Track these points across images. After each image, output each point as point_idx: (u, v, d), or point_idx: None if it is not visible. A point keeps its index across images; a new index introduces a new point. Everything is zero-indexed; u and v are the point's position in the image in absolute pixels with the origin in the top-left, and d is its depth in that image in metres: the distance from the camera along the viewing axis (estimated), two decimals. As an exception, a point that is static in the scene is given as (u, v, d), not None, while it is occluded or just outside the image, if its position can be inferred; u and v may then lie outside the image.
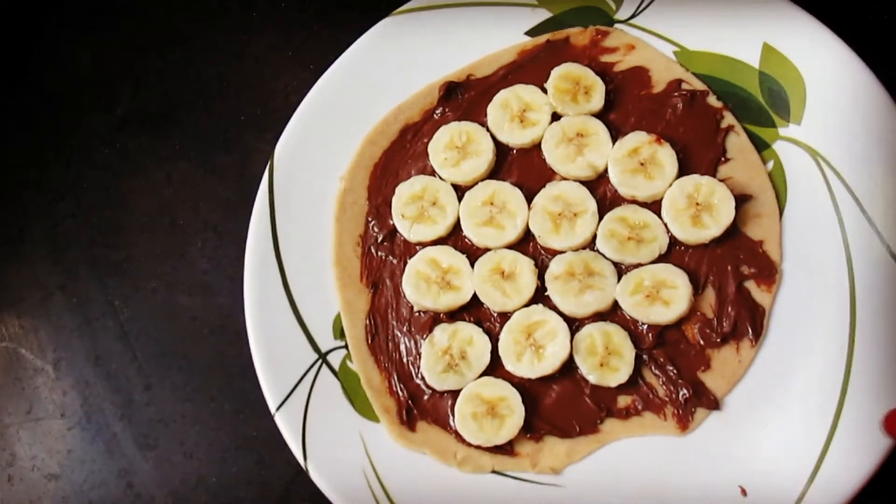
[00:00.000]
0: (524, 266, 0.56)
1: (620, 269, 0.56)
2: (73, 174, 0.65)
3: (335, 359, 0.54)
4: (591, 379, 0.54)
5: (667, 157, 0.57)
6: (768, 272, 0.55)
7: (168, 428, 0.59)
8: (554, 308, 0.55)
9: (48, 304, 0.62)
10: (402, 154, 0.60)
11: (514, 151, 0.60)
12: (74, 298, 0.62)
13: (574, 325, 0.55)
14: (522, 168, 0.59)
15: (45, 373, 0.61)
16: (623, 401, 0.54)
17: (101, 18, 0.68)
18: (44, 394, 0.61)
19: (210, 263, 0.62)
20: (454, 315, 0.57)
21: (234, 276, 0.61)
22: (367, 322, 0.57)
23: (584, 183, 0.58)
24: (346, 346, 0.55)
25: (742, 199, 0.56)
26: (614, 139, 0.58)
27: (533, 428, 0.53)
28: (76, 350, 0.61)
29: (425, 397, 0.55)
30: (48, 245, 0.64)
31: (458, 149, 0.59)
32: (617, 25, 0.59)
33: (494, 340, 0.55)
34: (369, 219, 0.59)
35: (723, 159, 0.57)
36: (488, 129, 0.59)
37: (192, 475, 0.58)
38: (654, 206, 0.57)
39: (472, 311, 0.56)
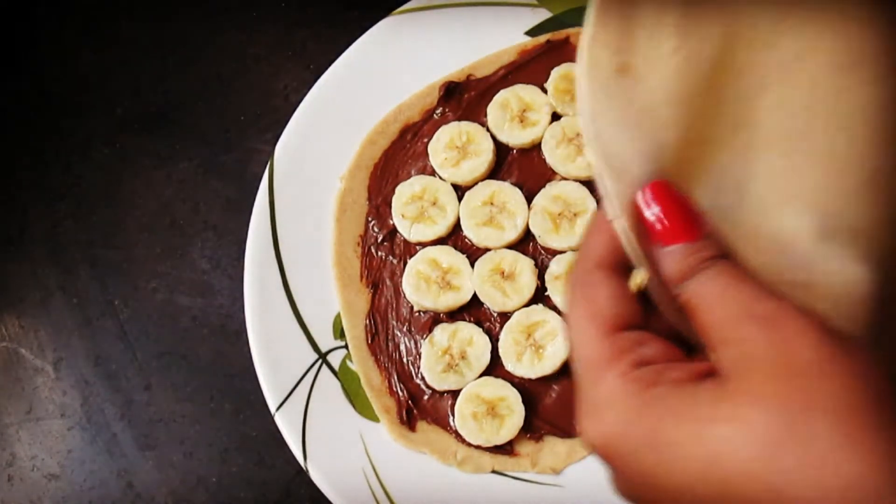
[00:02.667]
0: (524, 266, 0.56)
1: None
2: (73, 174, 0.65)
3: (335, 359, 0.54)
4: (592, 379, 0.53)
5: None
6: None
7: (168, 428, 0.59)
8: (554, 308, 0.55)
9: (48, 304, 0.62)
10: (402, 154, 0.60)
11: (514, 151, 0.60)
12: (74, 298, 0.62)
13: (574, 325, 0.55)
14: (522, 168, 0.59)
15: (45, 373, 0.61)
16: (623, 401, 0.54)
17: (101, 18, 0.68)
18: (44, 394, 0.61)
19: (210, 263, 0.62)
20: (454, 315, 0.57)
21: (234, 276, 0.61)
22: (367, 322, 0.57)
23: (585, 183, 0.58)
24: (346, 346, 0.55)
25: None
26: (614, 139, 0.58)
27: (533, 428, 0.53)
28: (76, 350, 0.61)
29: (425, 397, 0.55)
30: (48, 245, 0.64)
31: (458, 149, 0.59)
32: None
33: (494, 340, 0.55)
34: (369, 219, 0.59)
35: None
36: (488, 130, 0.59)
37: (192, 475, 0.58)
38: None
39: (472, 311, 0.56)
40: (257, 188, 0.56)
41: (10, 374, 0.62)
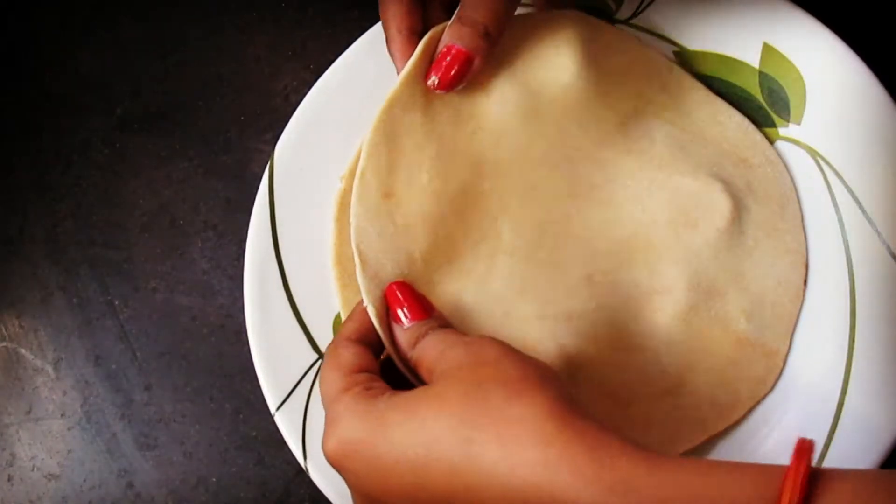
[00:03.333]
0: None
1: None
2: (73, 174, 0.65)
3: (334, 359, 0.54)
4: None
5: None
6: (768, 272, 0.55)
7: (168, 428, 0.59)
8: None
9: (48, 304, 0.62)
10: (401, 154, 0.60)
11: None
12: (74, 298, 0.62)
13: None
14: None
15: (45, 373, 0.61)
16: (622, 401, 0.54)
17: (101, 18, 0.68)
18: (44, 394, 0.61)
19: (210, 263, 0.62)
20: (454, 315, 0.57)
21: (234, 276, 0.61)
22: None
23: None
24: (345, 346, 0.55)
25: (741, 200, 0.56)
26: (613, 139, 0.59)
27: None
28: (76, 350, 0.61)
29: (425, 397, 0.55)
30: (48, 245, 0.64)
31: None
32: (617, 25, 0.59)
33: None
34: None
35: (722, 159, 0.58)
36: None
37: (192, 475, 0.58)
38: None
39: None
40: (257, 188, 0.56)
41: (10, 374, 0.62)
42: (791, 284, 0.53)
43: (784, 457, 0.48)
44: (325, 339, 0.55)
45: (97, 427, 0.60)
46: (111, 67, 0.67)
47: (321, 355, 0.54)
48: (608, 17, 0.60)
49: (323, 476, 0.51)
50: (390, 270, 0.45)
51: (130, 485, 0.59)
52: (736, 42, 0.56)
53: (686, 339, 0.51)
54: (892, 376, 0.49)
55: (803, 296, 0.53)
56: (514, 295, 0.48)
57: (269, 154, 0.57)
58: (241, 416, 0.59)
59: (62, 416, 0.60)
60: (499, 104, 0.51)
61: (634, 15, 0.59)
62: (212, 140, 0.64)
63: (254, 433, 0.58)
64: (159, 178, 0.64)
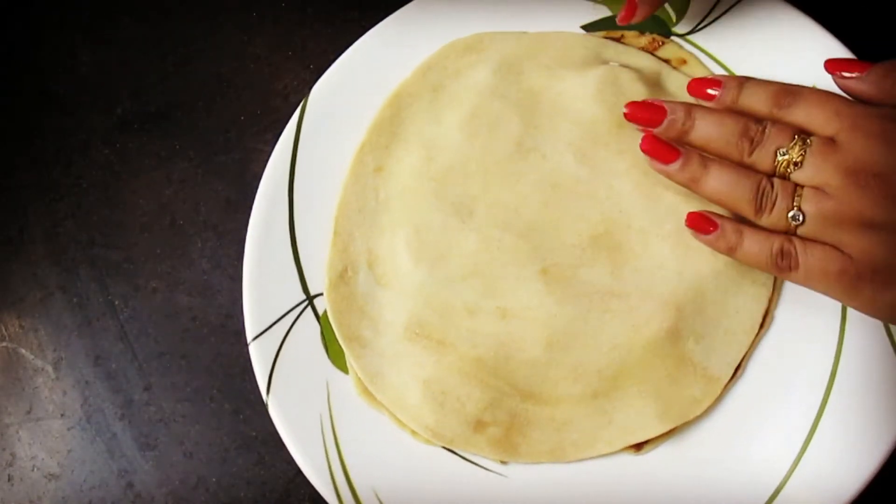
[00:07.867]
0: None
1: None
2: (73, 174, 0.65)
3: (321, 305, 0.54)
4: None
5: None
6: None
7: (168, 428, 0.59)
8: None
9: (48, 304, 0.62)
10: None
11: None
12: (74, 298, 0.62)
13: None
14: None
15: (45, 373, 0.61)
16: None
17: (100, 18, 0.68)
18: (44, 394, 0.61)
19: (210, 263, 0.62)
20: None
21: (235, 276, 0.61)
22: None
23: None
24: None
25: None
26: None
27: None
28: (76, 350, 0.61)
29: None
30: (48, 245, 0.64)
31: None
32: (674, 38, 0.58)
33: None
34: None
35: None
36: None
37: (192, 475, 0.58)
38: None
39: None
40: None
41: (10, 374, 0.62)
42: (749, 315, 0.51)
43: (757, 469, 0.48)
44: (316, 283, 0.55)
45: (97, 427, 0.60)
46: (111, 67, 0.67)
47: (309, 297, 0.55)
48: (666, 28, 0.59)
49: (280, 412, 0.52)
50: (359, 244, 0.53)
51: (130, 485, 0.59)
52: (785, 78, 0.54)
53: (630, 346, 0.50)
54: (878, 386, 0.49)
55: (760, 330, 0.51)
56: (461, 277, 0.51)
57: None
58: (241, 416, 0.59)
59: (62, 416, 0.60)
60: (500, 100, 0.54)
61: (693, 31, 0.58)
62: (212, 140, 0.64)
63: (254, 433, 0.59)
64: (159, 178, 0.64)
